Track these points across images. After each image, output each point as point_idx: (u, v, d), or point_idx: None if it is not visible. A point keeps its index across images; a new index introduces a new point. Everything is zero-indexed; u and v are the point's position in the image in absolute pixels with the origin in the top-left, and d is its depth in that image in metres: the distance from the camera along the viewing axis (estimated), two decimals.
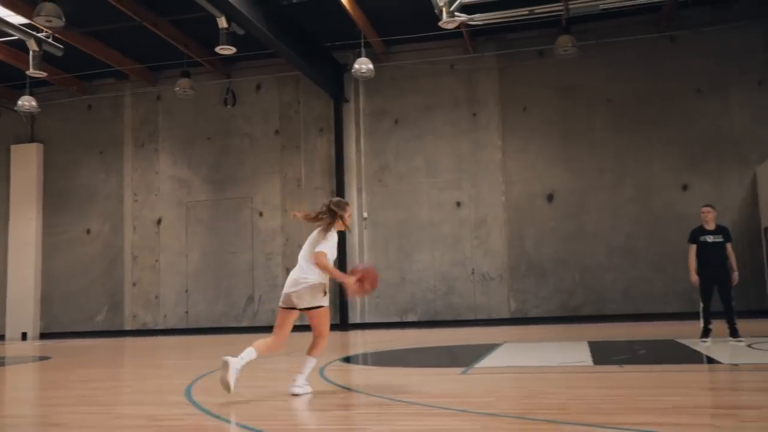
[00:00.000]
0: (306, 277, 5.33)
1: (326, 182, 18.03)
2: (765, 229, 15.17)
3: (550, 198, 16.74)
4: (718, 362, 6.79)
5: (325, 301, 5.42)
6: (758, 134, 15.69)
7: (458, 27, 15.24)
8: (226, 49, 13.81)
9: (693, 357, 7.49)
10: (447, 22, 12.70)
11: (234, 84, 18.85)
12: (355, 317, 17.32)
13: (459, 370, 6.92)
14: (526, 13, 13.33)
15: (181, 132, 19.17)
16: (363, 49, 15.68)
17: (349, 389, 5.90)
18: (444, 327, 16.10)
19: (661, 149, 16.16)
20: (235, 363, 5.13)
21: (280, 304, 5.48)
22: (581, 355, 7.85)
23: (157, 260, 18.89)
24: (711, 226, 9.14)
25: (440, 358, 9.23)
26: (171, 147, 19.20)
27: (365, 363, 8.49)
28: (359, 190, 17.79)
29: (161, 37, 15.95)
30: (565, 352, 8.24)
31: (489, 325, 16.32)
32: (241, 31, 14.35)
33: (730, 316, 8.73)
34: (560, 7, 13.05)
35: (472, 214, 17.10)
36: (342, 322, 17.10)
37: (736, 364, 6.38)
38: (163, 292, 18.76)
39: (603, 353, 8.09)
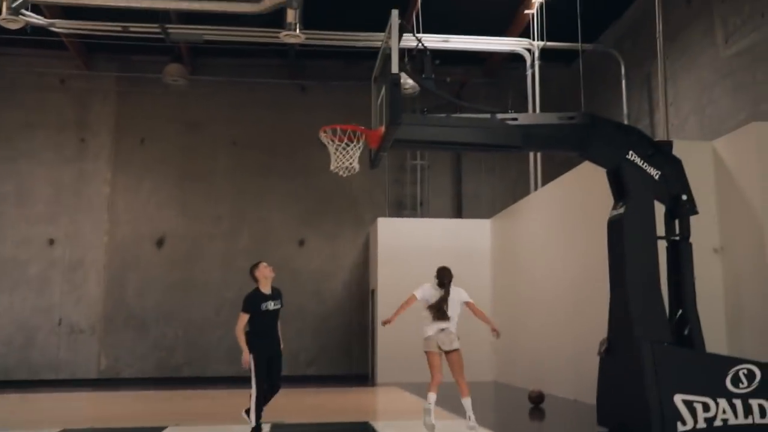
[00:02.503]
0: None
1: None
2: (372, 291, 14.99)
3: (160, 243, 15.01)
4: None
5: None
6: (373, 195, 15.66)
7: (66, 37, 13.11)
8: None
9: None
10: (8, 21, 10.47)
11: None
12: None
13: None
14: (120, 29, 11.63)
15: None
16: None
17: None
18: (15, 388, 13.32)
19: (282, 200, 15.40)
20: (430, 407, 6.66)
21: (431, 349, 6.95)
22: None
23: None
24: (268, 289, 7.01)
25: None
26: None
27: None
28: None
29: None
30: None
31: (70, 386, 13.89)
32: None
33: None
34: (158, 30, 11.57)
35: (67, 255, 14.69)
36: None
37: None
38: None
39: None
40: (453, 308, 7.14)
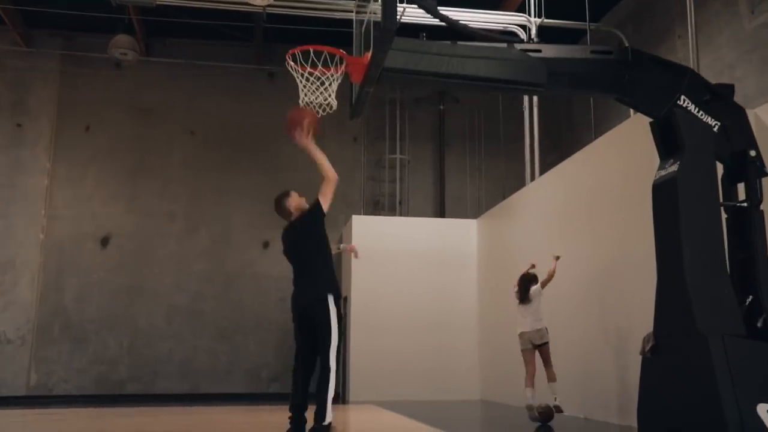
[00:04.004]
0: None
1: None
2: (344, 298, 13.38)
3: (104, 242, 13.26)
4: None
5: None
6: (347, 194, 14.14)
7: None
8: None
9: None
10: None
11: None
12: None
13: None
14: None
15: None
16: None
17: None
18: None
19: (245, 198, 13.76)
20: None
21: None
22: None
23: None
24: None
25: None
26: None
27: None
28: None
29: None
30: None
31: None
32: None
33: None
34: None
35: None
36: None
37: None
38: None
39: None
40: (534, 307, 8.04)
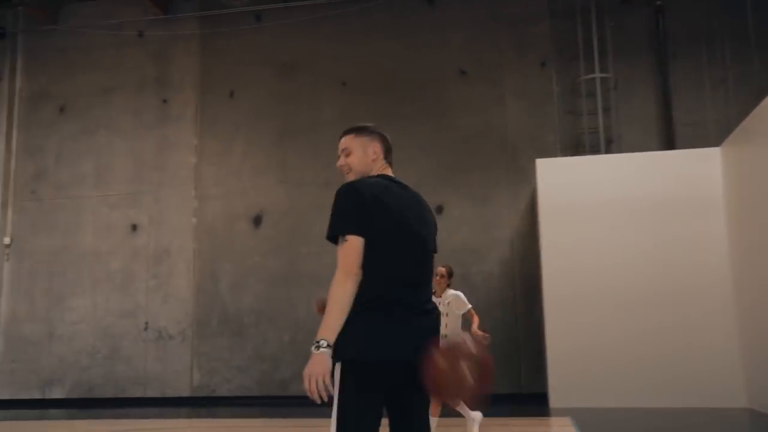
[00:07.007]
0: None
1: None
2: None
3: (257, 221, 11.61)
4: None
5: None
6: (538, 135, 10.91)
7: None
8: None
9: None
10: None
11: None
12: None
13: None
14: None
15: None
16: None
17: None
18: (99, 408, 10.79)
19: (411, 153, 11.16)
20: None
21: None
22: None
23: None
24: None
25: None
26: None
27: None
28: (4, 205, 12.38)
29: None
30: None
31: (161, 405, 11.00)
32: None
33: None
34: None
35: (152, 243, 11.83)
36: None
37: None
38: None
39: None
40: None
